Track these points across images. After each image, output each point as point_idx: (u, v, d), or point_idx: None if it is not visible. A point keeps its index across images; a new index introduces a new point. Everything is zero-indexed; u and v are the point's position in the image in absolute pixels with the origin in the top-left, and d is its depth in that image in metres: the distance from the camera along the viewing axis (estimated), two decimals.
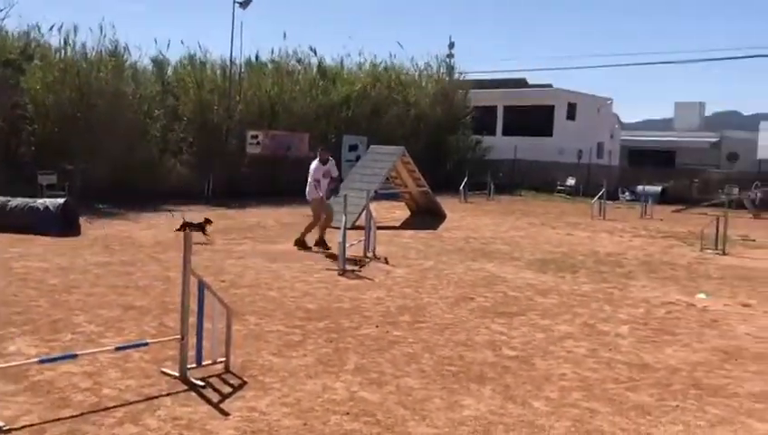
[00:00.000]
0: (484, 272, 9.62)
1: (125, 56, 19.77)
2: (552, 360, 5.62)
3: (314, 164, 11.36)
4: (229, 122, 21.57)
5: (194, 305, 4.81)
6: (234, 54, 22.32)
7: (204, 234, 11.33)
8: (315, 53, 26.51)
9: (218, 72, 22.67)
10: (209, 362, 4.94)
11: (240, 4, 21.67)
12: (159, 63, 22.38)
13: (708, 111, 53.21)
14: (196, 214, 13.18)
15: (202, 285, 4.87)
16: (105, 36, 19.04)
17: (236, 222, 14.48)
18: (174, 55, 23.71)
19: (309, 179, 11.33)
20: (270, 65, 24.92)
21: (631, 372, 5.36)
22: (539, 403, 4.63)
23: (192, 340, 4.86)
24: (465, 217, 17.44)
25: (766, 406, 4.73)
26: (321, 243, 11.23)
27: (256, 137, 21.54)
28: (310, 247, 11.08)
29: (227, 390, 4.67)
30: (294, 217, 15.83)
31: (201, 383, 4.72)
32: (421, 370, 5.22)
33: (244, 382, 4.81)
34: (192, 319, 4.81)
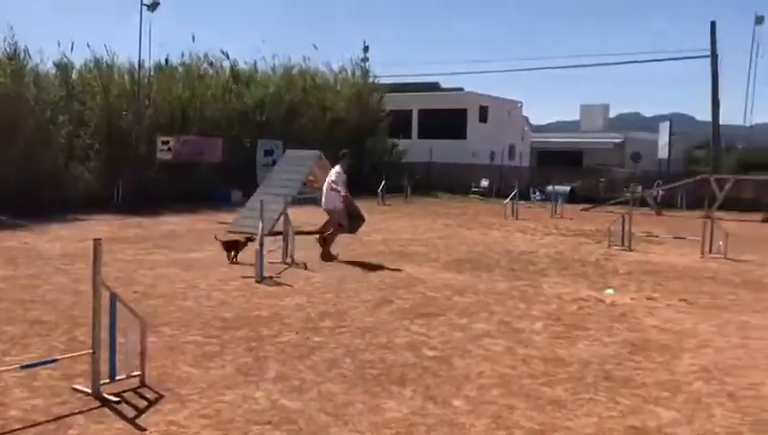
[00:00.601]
0: (403, 274, 9.71)
1: (25, 60, 18.86)
2: (471, 358, 5.72)
3: (338, 170, 11.06)
4: (138, 128, 20.91)
5: (105, 319, 4.63)
6: (142, 58, 21.64)
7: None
8: (227, 57, 26.11)
9: (126, 76, 21.96)
10: (123, 376, 4.77)
11: (148, 6, 21.07)
12: (63, 67, 21.46)
13: (612, 113, 55.54)
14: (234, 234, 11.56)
15: (114, 297, 4.70)
16: (4, 39, 18.16)
17: (148, 231, 14.05)
18: (79, 58, 22.77)
19: (329, 186, 11.04)
20: (180, 69, 24.33)
21: (546, 368, 5.52)
22: (459, 402, 4.70)
23: (104, 354, 4.68)
24: (384, 220, 17.55)
25: (672, 394, 4.97)
26: (325, 249, 10.91)
27: (167, 143, 20.97)
28: (336, 256, 10.78)
29: (143, 404, 4.53)
30: (209, 223, 15.52)
31: (115, 399, 4.55)
32: (342, 375, 5.21)
33: (161, 396, 4.67)
34: (104, 333, 4.63)
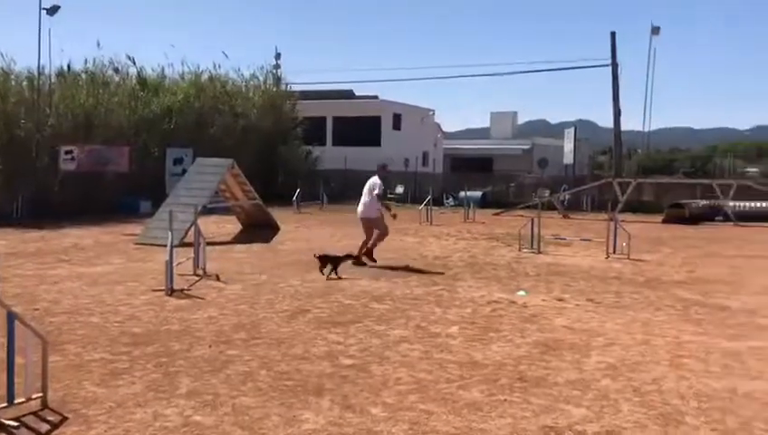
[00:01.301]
0: (320, 283, 9.63)
1: None
2: (389, 365, 5.73)
3: (377, 180, 11.71)
4: (39, 137, 19.96)
5: (2, 338, 4.36)
6: (42, 64, 20.70)
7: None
8: (134, 62, 25.35)
9: (25, 83, 20.94)
10: (23, 399, 4.50)
11: (47, 10, 20.18)
12: None
13: (520, 120, 57.24)
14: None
15: (11, 315, 4.44)
16: None
17: (50, 244, 13.40)
18: None
19: (369, 195, 11.61)
20: (84, 75, 23.43)
21: (462, 371, 5.59)
22: (377, 410, 4.69)
23: (2, 376, 4.40)
24: (299, 229, 17.42)
25: (581, 392, 5.12)
26: (370, 254, 11.49)
27: (71, 152, 20.12)
28: (375, 260, 11.42)
29: (45, 428, 4.29)
30: (115, 236, 14.96)
31: (14, 424, 4.28)
32: (258, 387, 5.10)
33: (65, 418, 4.43)
34: (1, 353, 4.36)
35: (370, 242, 11.56)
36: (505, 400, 4.93)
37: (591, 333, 6.93)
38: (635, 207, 24.40)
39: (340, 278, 9.85)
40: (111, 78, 24.45)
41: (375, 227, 11.61)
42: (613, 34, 30.14)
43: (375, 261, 11.45)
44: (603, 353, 6.19)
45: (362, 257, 11.38)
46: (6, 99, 19.72)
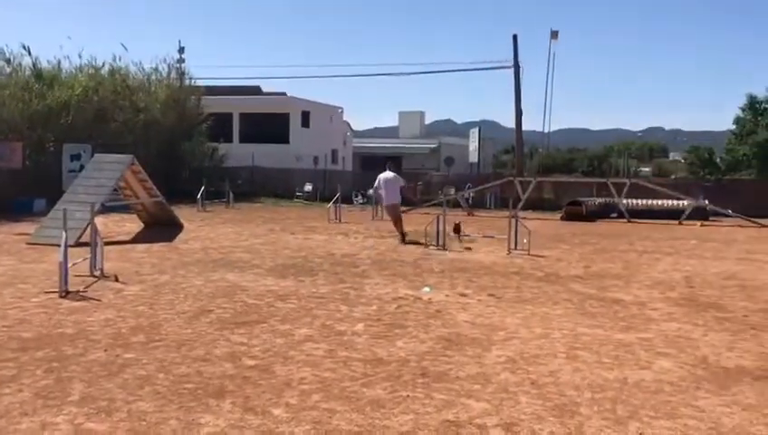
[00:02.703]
0: (225, 282, 9.45)
1: None
2: (293, 365, 5.68)
3: (390, 175, 15.00)
4: None
5: None
6: None
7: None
8: (29, 53, 24.01)
9: None
10: None
11: None
12: None
13: (428, 120, 58.13)
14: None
15: None
16: None
17: None
18: None
19: (386, 189, 14.94)
20: None
21: (366, 368, 5.61)
22: (279, 410, 4.64)
23: None
24: (204, 227, 17.01)
25: (482, 386, 5.24)
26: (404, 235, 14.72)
27: None
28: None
29: None
30: (5, 235, 14.17)
31: None
32: (156, 391, 4.94)
33: None
34: None
35: (399, 228, 14.80)
36: (408, 396, 4.98)
37: (492, 328, 7.11)
38: (536, 204, 25.21)
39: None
40: (3, 69, 23.13)
41: (396, 213, 15.10)
42: (515, 37, 31.07)
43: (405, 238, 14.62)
44: (503, 347, 6.36)
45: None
46: None
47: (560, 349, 6.36)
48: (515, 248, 13.30)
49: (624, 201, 23.15)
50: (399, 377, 5.41)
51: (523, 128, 32.13)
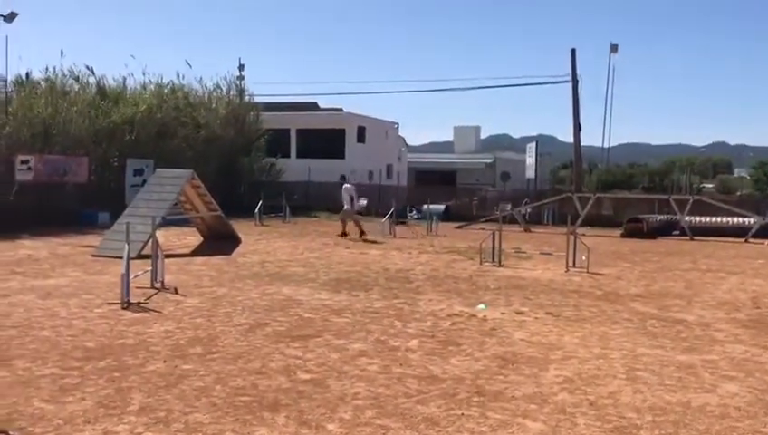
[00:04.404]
0: (280, 296, 9.55)
1: None
2: (347, 380, 5.68)
3: (351, 187, 19.17)
4: None
5: None
6: None
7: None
8: (93, 72, 24.95)
9: None
10: None
11: (4, 17, 19.80)
12: None
13: (483, 135, 57.83)
14: None
15: None
16: None
17: (3, 256, 13.05)
18: None
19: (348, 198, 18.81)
20: (43, 84, 22.99)
21: (420, 385, 5.57)
22: (333, 425, 4.64)
23: None
24: (261, 241, 17.25)
25: (538, 407, 5.14)
26: (362, 233, 18.45)
27: (27, 162, 19.67)
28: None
29: None
30: (72, 247, 14.66)
31: None
32: (212, 403, 5.01)
33: None
34: None
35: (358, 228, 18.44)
36: (462, 414, 4.92)
37: (550, 347, 6.97)
38: (594, 221, 24.74)
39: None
40: (71, 87, 24.03)
41: (350, 220, 18.86)
42: (573, 51, 30.69)
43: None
44: (561, 367, 6.23)
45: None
46: None
47: (619, 370, 6.19)
48: (573, 266, 13.05)
49: (687, 218, 22.51)
50: (454, 395, 5.35)
51: (582, 143, 31.65)
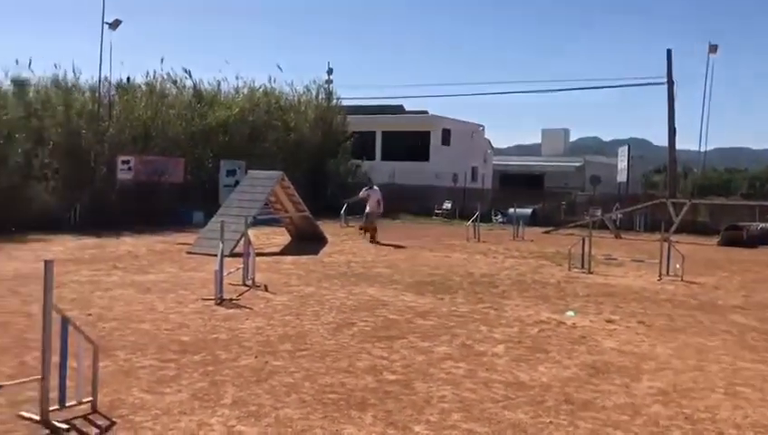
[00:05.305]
0: (366, 296, 9.65)
1: None
2: (432, 382, 5.68)
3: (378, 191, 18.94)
4: (98, 147, 20.58)
5: (57, 342, 4.49)
6: (104, 76, 21.39)
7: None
8: (190, 76, 25.96)
9: (87, 94, 21.65)
10: (74, 402, 4.61)
11: (109, 25, 20.87)
12: (21, 85, 21.05)
13: (572, 137, 56.56)
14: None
15: (65, 321, 4.56)
16: None
17: (105, 252, 13.76)
18: (37, 77, 22.36)
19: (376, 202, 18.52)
20: (144, 88, 24.11)
21: (507, 391, 5.51)
22: (420, 427, 4.65)
23: (55, 380, 4.52)
24: (347, 241, 17.48)
25: (630, 418, 4.99)
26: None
27: (128, 162, 20.68)
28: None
29: (94, 431, 4.38)
30: (168, 245, 15.29)
31: (65, 426, 4.40)
32: (302, 399, 5.12)
33: (113, 423, 4.53)
34: (55, 357, 4.49)
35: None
36: (551, 422, 4.83)
37: (642, 357, 6.75)
38: (689, 228, 23.77)
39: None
40: (169, 91, 25.09)
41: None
42: (669, 52, 29.59)
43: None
44: (654, 378, 6.03)
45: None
46: (70, 109, 20.39)
47: (717, 383, 5.93)
48: (667, 274, 12.58)
49: None
50: (542, 402, 5.26)
51: (677, 146, 30.44)
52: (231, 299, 8.88)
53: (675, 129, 29.57)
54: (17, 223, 16.35)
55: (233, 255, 12.05)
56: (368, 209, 18.59)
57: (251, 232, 11.06)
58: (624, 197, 29.83)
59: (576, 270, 13.22)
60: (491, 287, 10.91)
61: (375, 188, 19.25)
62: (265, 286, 9.94)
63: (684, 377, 6.10)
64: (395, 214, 28.18)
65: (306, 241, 16.21)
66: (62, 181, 19.40)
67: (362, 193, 19.18)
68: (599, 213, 25.12)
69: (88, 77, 22.17)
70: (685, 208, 23.31)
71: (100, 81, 21.24)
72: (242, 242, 11.04)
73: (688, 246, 18.01)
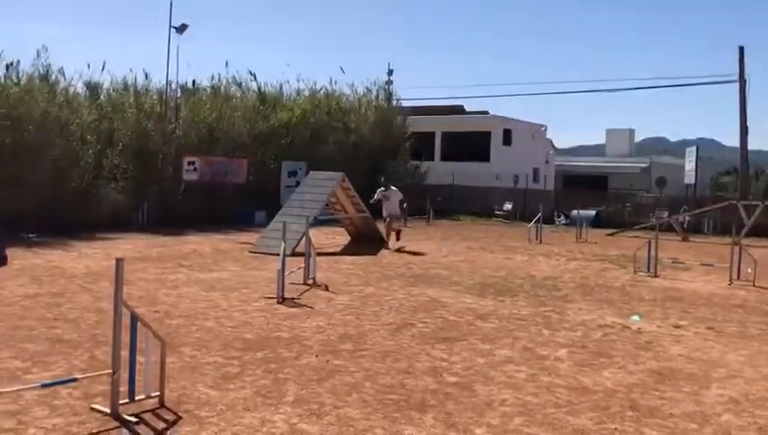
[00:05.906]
0: (425, 297, 9.63)
1: (57, 80, 19.28)
2: (493, 385, 5.63)
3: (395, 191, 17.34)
4: (165, 148, 21.18)
5: (126, 338, 4.63)
6: (171, 79, 22.00)
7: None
8: (255, 78, 26.44)
9: (155, 97, 22.30)
10: (142, 396, 4.75)
11: (177, 29, 21.44)
12: (93, 88, 21.86)
13: (637, 138, 55.15)
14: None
15: (134, 317, 4.70)
16: (39, 61, 18.61)
17: (171, 250, 14.14)
18: (108, 80, 23.20)
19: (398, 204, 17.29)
20: (209, 90, 24.68)
21: (570, 396, 5.41)
22: (481, 430, 4.61)
23: (124, 374, 4.67)
24: (406, 243, 17.48)
25: (699, 426, 4.83)
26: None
27: (193, 163, 21.20)
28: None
29: (161, 425, 4.50)
30: (232, 244, 15.59)
31: (134, 419, 4.53)
32: (362, 399, 5.14)
33: (180, 417, 4.64)
34: (124, 352, 4.63)
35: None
36: (616, 429, 4.72)
37: (712, 364, 6.53)
38: (762, 231, 22.85)
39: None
40: (234, 93, 25.61)
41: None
42: (741, 49, 28.54)
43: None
44: (725, 386, 5.82)
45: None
46: (141, 112, 21.05)
47: None
48: (738, 278, 12.14)
49: None
50: (606, 408, 5.14)
51: (749, 147, 29.35)
52: (292, 298, 8.99)
53: (747, 128, 28.52)
54: (88, 222, 16.96)
55: (294, 254, 12.21)
56: (385, 213, 16.95)
57: (311, 232, 11.17)
58: (691, 199, 28.93)
59: (641, 273, 12.89)
60: (553, 290, 10.74)
61: (394, 188, 17.48)
62: (326, 286, 10.04)
63: (757, 386, 5.87)
64: (455, 215, 28.08)
65: (365, 241, 16.28)
66: (131, 182, 20.05)
67: (378, 194, 17.21)
68: (665, 215, 24.44)
69: (156, 81, 22.72)
70: (758, 211, 22.41)
71: (167, 83, 21.87)
72: (303, 242, 11.17)
73: (761, 249, 17.32)
